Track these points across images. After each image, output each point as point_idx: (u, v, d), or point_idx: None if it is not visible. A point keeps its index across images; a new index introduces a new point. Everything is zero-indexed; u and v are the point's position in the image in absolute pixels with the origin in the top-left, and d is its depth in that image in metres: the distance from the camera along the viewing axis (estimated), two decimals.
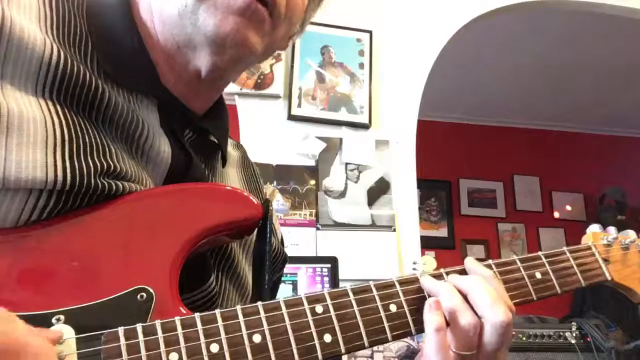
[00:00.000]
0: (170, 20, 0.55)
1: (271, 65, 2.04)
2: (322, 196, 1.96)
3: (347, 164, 2.02)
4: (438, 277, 0.56)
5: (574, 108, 4.31)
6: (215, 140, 0.64)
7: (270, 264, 0.58)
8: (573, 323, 1.95)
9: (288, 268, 1.73)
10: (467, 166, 4.33)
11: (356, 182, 2.00)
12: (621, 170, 4.48)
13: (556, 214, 4.39)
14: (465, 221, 4.23)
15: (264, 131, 2.00)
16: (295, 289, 1.71)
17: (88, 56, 0.52)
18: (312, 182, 1.97)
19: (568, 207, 4.43)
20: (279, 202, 1.91)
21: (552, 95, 4.12)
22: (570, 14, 2.89)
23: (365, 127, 2.06)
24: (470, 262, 0.57)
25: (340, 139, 2.03)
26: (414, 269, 1.89)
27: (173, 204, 0.53)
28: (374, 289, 0.53)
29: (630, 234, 0.73)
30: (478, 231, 4.22)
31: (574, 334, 1.91)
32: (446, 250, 4.04)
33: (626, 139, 4.75)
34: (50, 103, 0.48)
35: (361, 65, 2.13)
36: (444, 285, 0.53)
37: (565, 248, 0.66)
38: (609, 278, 0.66)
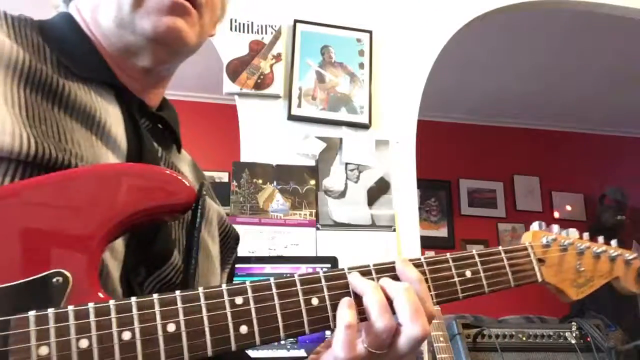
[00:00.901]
0: (109, 32, 0.62)
1: (271, 65, 2.04)
2: (322, 196, 1.96)
3: (347, 164, 2.01)
4: (366, 273, 0.57)
5: (574, 108, 4.31)
6: (172, 131, 0.70)
7: (199, 250, 0.59)
8: (573, 323, 1.95)
9: (288, 268, 1.73)
10: (467, 166, 4.33)
11: (356, 182, 2.00)
12: (621, 170, 4.48)
13: (556, 214, 4.39)
14: (465, 221, 4.23)
15: (264, 131, 2.00)
16: None
17: (48, 59, 0.59)
18: (312, 182, 1.97)
19: (568, 207, 4.42)
20: (279, 202, 1.91)
21: (552, 95, 4.12)
22: (570, 14, 2.89)
23: (365, 127, 2.06)
24: (399, 264, 0.58)
25: (340, 139, 2.03)
26: None
27: (100, 185, 0.51)
28: (298, 283, 0.54)
29: (571, 234, 0.72)
30: (478, 231, 4.21)
31: (574, 334, 1.91)
32: (446, 250, 4.01)
33: (626, 139, 4.74)
34: (16, 96, 0.52)
35: (361, 65, 2.13)
36: (371, 284, 0.55)
37: (500, 248, 0.65)
38: (540, 279, 0.66)
